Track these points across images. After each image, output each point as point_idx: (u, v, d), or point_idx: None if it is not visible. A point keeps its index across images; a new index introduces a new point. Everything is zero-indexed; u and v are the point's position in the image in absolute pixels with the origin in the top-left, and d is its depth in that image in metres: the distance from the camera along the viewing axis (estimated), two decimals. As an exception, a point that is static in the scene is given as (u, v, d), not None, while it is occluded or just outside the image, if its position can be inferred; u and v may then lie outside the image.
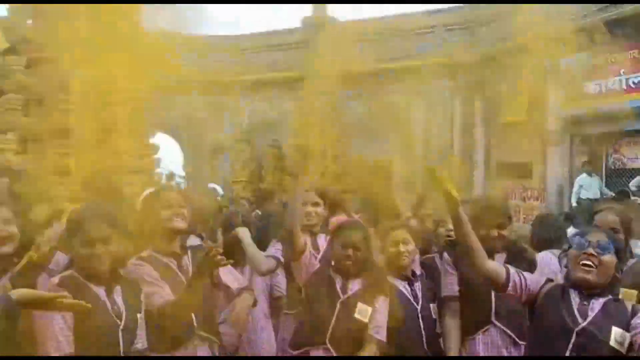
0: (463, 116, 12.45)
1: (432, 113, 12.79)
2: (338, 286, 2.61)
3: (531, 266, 2.68)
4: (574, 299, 2.12)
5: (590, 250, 2.07)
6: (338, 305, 2.56)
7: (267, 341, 3.24)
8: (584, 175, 9.63)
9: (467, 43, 11.84)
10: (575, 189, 9.63)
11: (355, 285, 2.62)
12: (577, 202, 9.34)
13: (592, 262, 2.07)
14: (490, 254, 2.69)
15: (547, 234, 3.55)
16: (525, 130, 10.91)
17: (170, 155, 15.60)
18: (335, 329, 2.52)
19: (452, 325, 2.72)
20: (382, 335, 2.54)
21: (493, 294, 2.60)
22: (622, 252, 2.17)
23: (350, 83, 12.39)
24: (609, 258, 2.09)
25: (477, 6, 12.38)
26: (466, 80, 11.92)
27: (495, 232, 2.67)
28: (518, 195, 10.92)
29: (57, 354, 1.91)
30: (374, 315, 2.54)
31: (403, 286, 2.74)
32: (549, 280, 2.27)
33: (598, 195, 9.37)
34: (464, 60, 11.92)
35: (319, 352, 2.53)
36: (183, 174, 16.37)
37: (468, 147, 12.29)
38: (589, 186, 9.56)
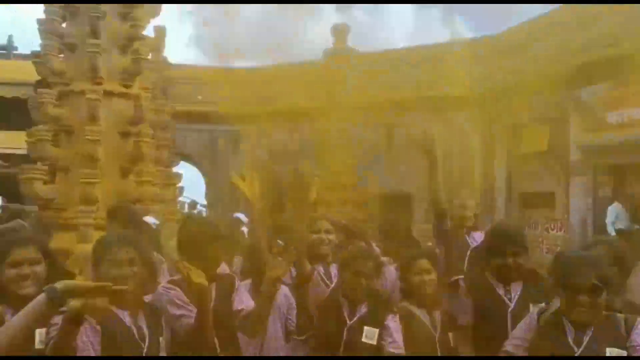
0: (484, 146, 12.43)
1: (452, 143, 12.80)
2: (345, 312, 2.67)
3: (548, 295, 2.68)
4: (570, 329, 2.15)
5: (583, 298, 2.10)
6: (345, 332, 2.61)
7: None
8: (618, 204, 9.49)
9: (488, 73, 11.89)
10: (610, 218, 9.47)
11: (362, 309, 2.68)
12: (616, 232, 9.18)
13: (585, 307, 2.10)
14: (507, 282, 2.71)
15: None
16: (547, 160, 10.85)
17: (192, 184, 15.82)
18: (345, 354, 2.58)
19: (467, 353, 2.74)
20: (401, 349, 2.57)
21: (509, 320, 2.61)
22: (613, 286, 2.18)
23: (371, 113, 12.56)
24: (602, 299, 2.11)
25: (499, 36, 12.47)
26: (487, 109, 11.94)
27: (510, 261, 2.69)
28: (541, 226, 10.79)
29: None
30: (387, 333, 2.60)
31: (422, 314, 2.77)
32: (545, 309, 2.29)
33: (629, 226, 9.26)
34: (484, 90, 11.97)
35: None
36: (205, 202, 16.58)
37: (489, 177, 12.23)
38: (622, 216, 9.43)
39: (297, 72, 14.58)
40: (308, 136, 14.49)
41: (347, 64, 12.76)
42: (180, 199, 9.14)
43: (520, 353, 2.22)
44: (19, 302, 2.04)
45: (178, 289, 2.39)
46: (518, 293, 2.69)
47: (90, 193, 5.30)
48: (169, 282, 2.44)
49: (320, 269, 3.03)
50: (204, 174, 16.55)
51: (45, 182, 5.53)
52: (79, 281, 1.70)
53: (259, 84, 15.70)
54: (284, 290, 3.16)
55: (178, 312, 2.34)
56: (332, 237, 3.15)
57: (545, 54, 10.94)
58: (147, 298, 2.30)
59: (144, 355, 2.10)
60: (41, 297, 1.61)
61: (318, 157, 12.36)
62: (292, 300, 3.25)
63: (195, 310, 2.35)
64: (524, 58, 11.53)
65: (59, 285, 1.60)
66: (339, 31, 13.14)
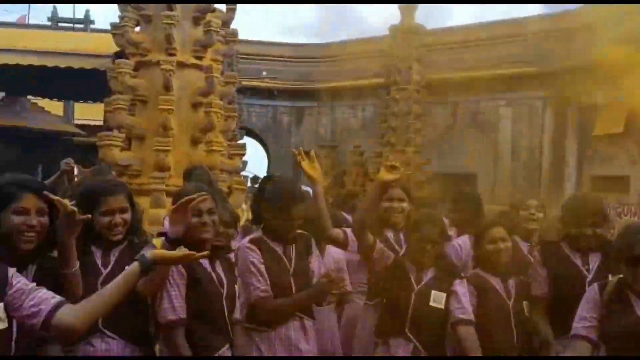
0: (555, 126, 11.98)
1: (522, 123, 12.40)
2: (412, 277, 2.70)
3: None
4: (636, 302, 2.11)
5: None
6: (413, 296, 2.63)
7: (330, 329, 3.29)
8: None
9: (563, 51, 11.38)
10: None
11: (428, 275, 2.69)
12: None
13: None
14: (584, 253, 2.64)
15: None
16: (622, 142, 10.35)
17: (255, 159, 16.11)
18: (413, 319, 2.61)
19: (542, 324, 2.71)
20: (469, 315, 2.58)
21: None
22: None
23: (437, 91, 12.33)
24: None
25: (572, 12, 11.90)
26: (560, 89, 11.47)
27: (589, 231, 2.62)
28: (613, 211, 10.34)
29: (173, 317, 2.14)
30: (455, 298, 2.60)
31: (496, 282, 2.77)
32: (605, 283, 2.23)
33: None
34: (557, 69, 11.50)
35: (400, 342, 2.62)
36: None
37: (559, 158, 11.80)
38: None
39: (363, 48, 14.48)
40: (372, 114, 14.41)
41: (414, 40, 12.52)
42: (243, 173, 9.33)
43: (594, 335, 2.16)
44: (109, 246, 2.22)
45: (258, 251, 2.48)
46: (596, 263, 2.63)
47: (163, 160, 5.50)
48: (250, 241, 2.54)
49: (391, 234, 3.06)
50: (267, 149, 16.82)
51: (121, 150, 5.78)
52: (167, 251, 1.82)
53: (325, 60, 15.71)
54: (332, 253, 3.19)
55: (248, 279, 2.45)
56: (405, 205, 3.16)
57: (624, 32, 10.34)
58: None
59: (224, 298, 2.22)
60: (134, 266, 1.73)
61: (381, 135, 12.28)
62: (342, 264, 3.31)
63: (264, 279, 2.43)
64: (602, 36, 10.96)
65: (150, 255, 1.73)
66: (406, 7, 12.87)
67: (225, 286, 2.27)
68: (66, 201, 1.89)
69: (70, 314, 1.64)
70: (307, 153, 2.93)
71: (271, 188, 2.55)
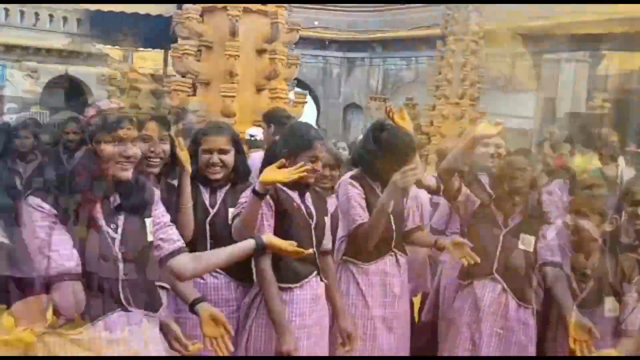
0: (618, 85, 11.52)
1: (583, 79, 11.99)
2: (499, 221, 2.73)
3: None
4: None
5: None
6: (501, 238, 2.68)
7: (421, 263, 3.37)
8: None
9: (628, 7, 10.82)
10: None
11: (515, 219, 2.73)
12: None
13: None
14: None
15: None
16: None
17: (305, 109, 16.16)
18: (501, 260, 2.66)
19: (631, 269, 2.73)
20: (557, 257, 2.62)
21: None
22: None
23: (495, 42, 11.94)
24: None
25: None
26: (626, 43, 10.97)
27: None
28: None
29: None
30: (543, 241, 2.64)
31: (591, 227, 2.78)
32: None
33: None
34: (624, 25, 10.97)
35: (486, 283, 2.68)
36: (316, 127, 16.96)
37: (620, 118, 11.39)
38: None
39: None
40: (425, 65, 14.15)
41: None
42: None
43: None
44: (214, 186, 2.37)
45: (359, 186, 2.59)
46: None
47: (229, 106, 5.63)
48: (352, 177, 2.65)
49: (486, 179, 3.08)
50: (316, 100, 16.83)
51: (188, 95, 5.95)
52: (282, 241, 1.94)
53: (378, 10, 15.40)
54: (413, 192, 3.23)
55: (349, 212, 2.57)
56: (501, 150, 3.16)
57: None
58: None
59: (312, 228, 2.32)
60: (251, 243, 1.86)
61: (435, 87, 12.07)
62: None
63: (364, 211, 2.54)
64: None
65: (265, 240, 1.89)
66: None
67: (314, 217, 2.34)
68: (182, 143, 2.02)
69: (183, 263, 1.79)
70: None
71: (391, 137, 2.60)
